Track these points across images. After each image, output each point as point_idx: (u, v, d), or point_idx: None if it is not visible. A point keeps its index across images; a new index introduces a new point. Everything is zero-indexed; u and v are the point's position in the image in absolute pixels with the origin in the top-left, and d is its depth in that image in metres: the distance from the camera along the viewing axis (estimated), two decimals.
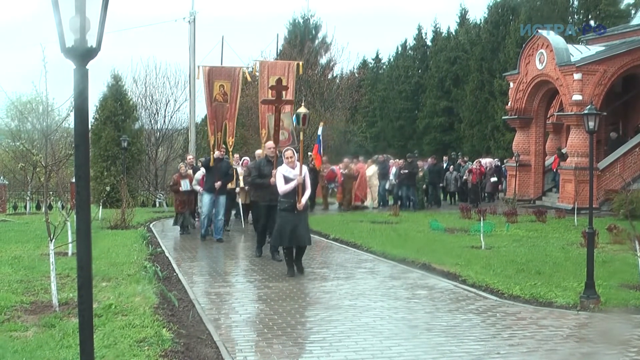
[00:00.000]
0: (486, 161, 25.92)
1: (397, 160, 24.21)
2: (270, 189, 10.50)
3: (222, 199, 13.77)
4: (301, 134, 10.41)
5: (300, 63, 18.52)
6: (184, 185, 14.85)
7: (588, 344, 6.26)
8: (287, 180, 9.56)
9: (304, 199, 9.65)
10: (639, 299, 7.86)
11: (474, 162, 25.26)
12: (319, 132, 19.44)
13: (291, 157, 9.62)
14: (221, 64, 16.10)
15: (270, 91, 14.45)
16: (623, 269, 9.60)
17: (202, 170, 14.42)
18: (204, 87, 15.22)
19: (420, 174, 22.42)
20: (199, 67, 15.14)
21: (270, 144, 11.43)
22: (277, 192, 9.84)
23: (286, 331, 6.58)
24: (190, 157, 17.62)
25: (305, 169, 9.74)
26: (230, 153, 16.35)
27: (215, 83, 15.18)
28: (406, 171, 21.75)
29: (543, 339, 6.36)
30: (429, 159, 24.80)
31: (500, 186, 26.33)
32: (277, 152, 11.29)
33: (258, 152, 14.76)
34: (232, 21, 74.94)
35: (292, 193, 9.55)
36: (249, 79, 18.18)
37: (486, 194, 25.14)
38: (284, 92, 11.82)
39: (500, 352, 5.93)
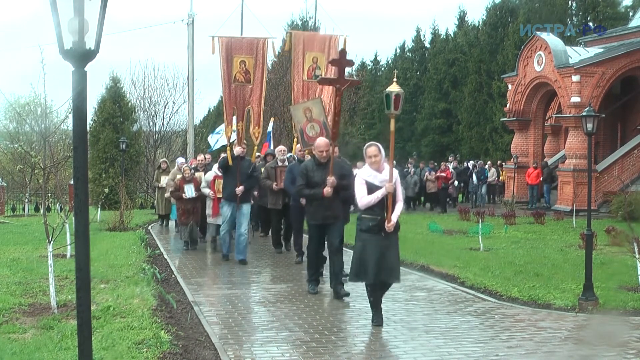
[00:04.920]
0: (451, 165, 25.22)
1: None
2: (324, 202, 8.18)
3: (246, 209, 11.05)
4: (392, 122, 7.19)
5: (346, 37, 13.03)
6: (188, 191, 12.30)
7: (586, 345, 6.27)
8: (370, 188, 6.83)
9: (395, 216, 6.82)
10: (637, 300, 7.86)
11: (442, 165, 24.46)
12: (269, 128, 17.68)
13: (376, 157, 6.87)
14: (241, 34, 12.80)
15: (306, 70, 12.48)
16: (621, 270, 9.62)
17: (214, 171, 12.18)
18: (220, 64, 12.02)
19: None
20: (213, 38, 11.96)
21: (323, 141, 8.56)
22: (331, 206, 8.12)
23: (284, 334, 6.58)
24: (200, 157, 14.50)
25: (396, 173, 6.95)
26: (255, 148, 13.12)
27: (235, 59, 11.99)
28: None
29: (541, 340, 6.36)
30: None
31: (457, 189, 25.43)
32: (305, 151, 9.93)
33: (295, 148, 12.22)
34: (231, 23, 74.77)
35: (379, 207, 6.79)
36: (274, 54, 14.68)
37: (450, 200, 24.46)
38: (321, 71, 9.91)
39: (499, 354, 5.93)
